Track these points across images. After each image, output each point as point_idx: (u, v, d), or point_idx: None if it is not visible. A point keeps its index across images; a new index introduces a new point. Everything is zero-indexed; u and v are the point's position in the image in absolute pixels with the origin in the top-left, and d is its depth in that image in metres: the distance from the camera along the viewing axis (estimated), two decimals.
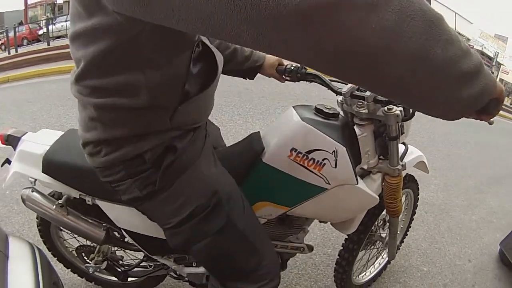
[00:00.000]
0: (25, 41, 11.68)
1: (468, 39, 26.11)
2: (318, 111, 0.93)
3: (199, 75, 0.67)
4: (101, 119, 0.63)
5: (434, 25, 0.38)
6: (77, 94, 0.63)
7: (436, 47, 0.38)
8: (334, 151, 0.87)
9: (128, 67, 0.56)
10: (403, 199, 1.12)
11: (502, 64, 28.97)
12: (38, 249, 0.86)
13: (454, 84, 0.42)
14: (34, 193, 0.96)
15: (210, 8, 0.36)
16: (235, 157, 0.95)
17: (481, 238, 2.26)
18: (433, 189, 2.76)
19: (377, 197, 1.02)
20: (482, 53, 26.29)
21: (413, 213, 1.61)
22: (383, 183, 1.07)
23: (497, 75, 28.33)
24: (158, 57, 0.57)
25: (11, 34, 10.03)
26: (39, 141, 0.95)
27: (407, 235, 1.68)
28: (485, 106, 0.47)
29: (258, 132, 0.99)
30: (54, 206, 0.95)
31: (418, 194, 1.53)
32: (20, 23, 10.51)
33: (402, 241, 1.68)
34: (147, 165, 0.67)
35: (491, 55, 26.88)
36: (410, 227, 1.66)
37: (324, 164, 0.88)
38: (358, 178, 0.96)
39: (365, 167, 1.02)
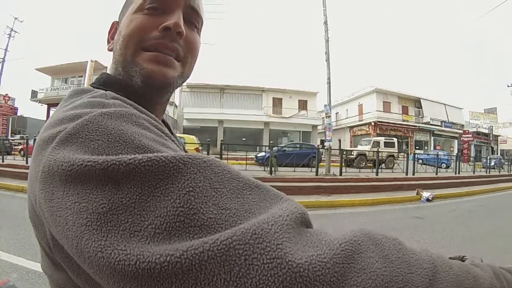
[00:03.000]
0: None
1: (462, 125, 27.38)
2: None
3: None
4: None
5: None
6: None
7: None
8: None
9: None
10: None
11: (499, 135, 29.59)
12: None
13: None
14: None
15: None
16: None
17: None
18: None
19: None
20: (478, 133, 27.19)
21: None
22: None
23: (497, 148, 29.08)
24: None
25: (31, 142, 10.63)
26: None
27: None
28: None
29: None
30: None
31: None
32: None
33: None
34: None
35: (486, 131, 27.50)
36: None
37: None
38: None
39: None
